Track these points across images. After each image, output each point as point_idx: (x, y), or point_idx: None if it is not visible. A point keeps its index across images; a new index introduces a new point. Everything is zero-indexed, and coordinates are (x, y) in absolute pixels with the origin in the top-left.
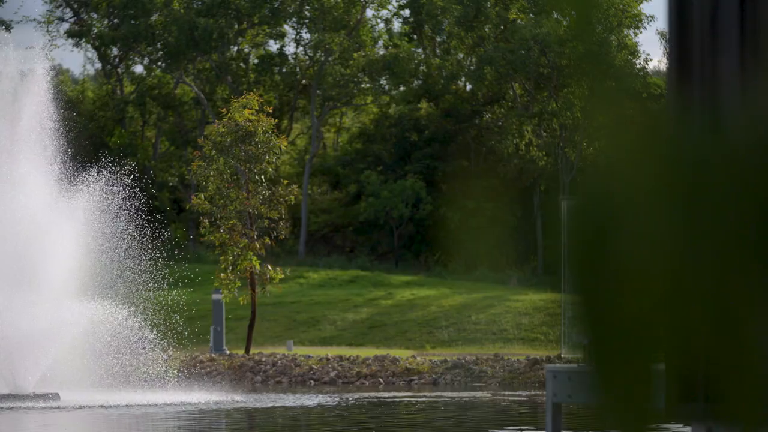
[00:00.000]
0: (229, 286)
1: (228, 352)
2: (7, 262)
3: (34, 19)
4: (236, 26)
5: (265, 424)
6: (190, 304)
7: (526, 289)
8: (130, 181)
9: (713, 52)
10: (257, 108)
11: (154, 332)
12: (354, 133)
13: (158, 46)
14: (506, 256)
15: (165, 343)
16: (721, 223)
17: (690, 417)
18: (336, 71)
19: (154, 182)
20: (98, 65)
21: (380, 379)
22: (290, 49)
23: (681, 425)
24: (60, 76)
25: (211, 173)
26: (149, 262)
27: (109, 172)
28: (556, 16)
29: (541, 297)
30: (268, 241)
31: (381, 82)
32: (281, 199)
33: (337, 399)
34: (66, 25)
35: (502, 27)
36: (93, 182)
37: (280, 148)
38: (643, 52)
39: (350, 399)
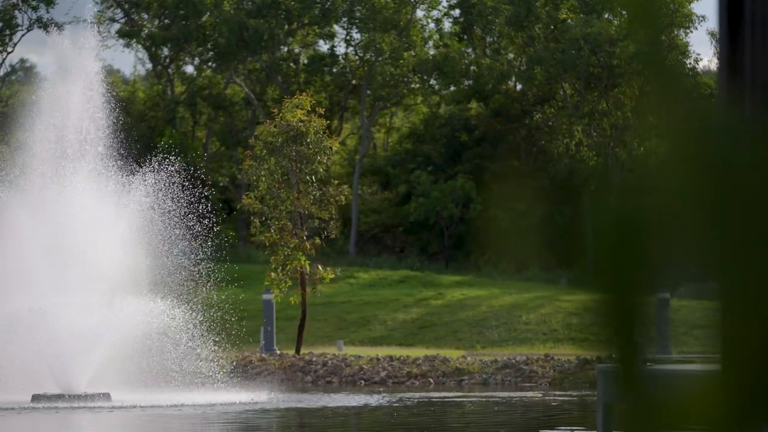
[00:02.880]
0: (280, 286)
1: (278, 352)
2: (58, 262)
3: (85, 20)
4: (286, 27)
5: (320, 423)
6: (241, 304)
7: (576, 289)
8: (180, 181)
9: (764, 51)
10: (309, 108)
11: (205, 332)
12: (404, 133)
13: (209, 46)
14: (556, 256)
15: (215, 343)
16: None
17: (759, 422)
18: (386, 71)
19: (205, 182)
20: (149, 65)
21: (430, 379)
22: (340, 49)
23: None
24: (111, 76)
25: (262, 173)
26: (200, 262)
27: (160, 171)
28: (607, 15)
29: (592, 297)
30: (318, 241)
31: (431, 82)
32: (332, 199)
33: (390, 399)
34: (117, 26)
35: (552, 27)
36: (143, 182)
37: (331, 149)
38: (693, 52)
39: (404, 399)
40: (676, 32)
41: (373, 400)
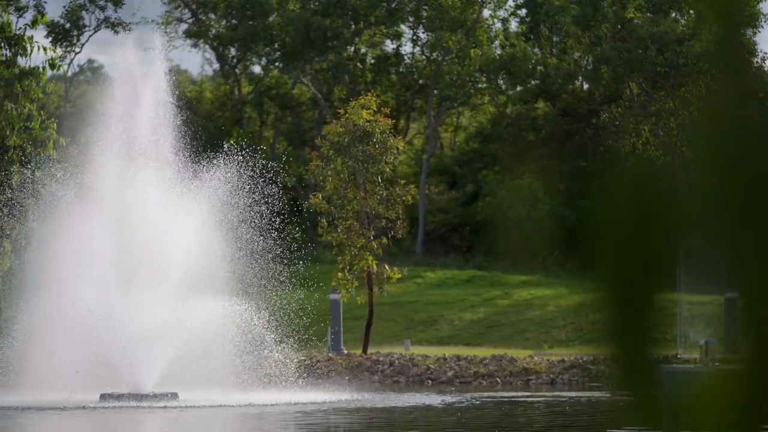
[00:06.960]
0: (347, 286)
1: (346, 351)
2: (127, 262)
3: (153, 20)
4: (353, 26)
5: (389, 423)
6: (308, 303)
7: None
8: (248, 181)
9: None
10: (375, 109)
11: (273, 331)
12: (471, 132)
13: (276, 46)
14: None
15: (283, 343)
16: None
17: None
18: (453, 70)
19: (272, 182)
20: (216, 66)
21: (497, 379)
22: (407, 48)
23: None
24: (178, 76)
25: (329, 173)
26: (267, 262)
27: (228, 171)
28: (674, 14)
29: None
30: (385, 240)
31: (498, 82)
32: (399, 199)
33: (460, 398)
34: (184, 26)
35: (619, 26)
36: (211, 181)
37: (398, 149)
38: (761, 51)
39: (471, 399)
40: (742, 31)
41: (447, 399)
